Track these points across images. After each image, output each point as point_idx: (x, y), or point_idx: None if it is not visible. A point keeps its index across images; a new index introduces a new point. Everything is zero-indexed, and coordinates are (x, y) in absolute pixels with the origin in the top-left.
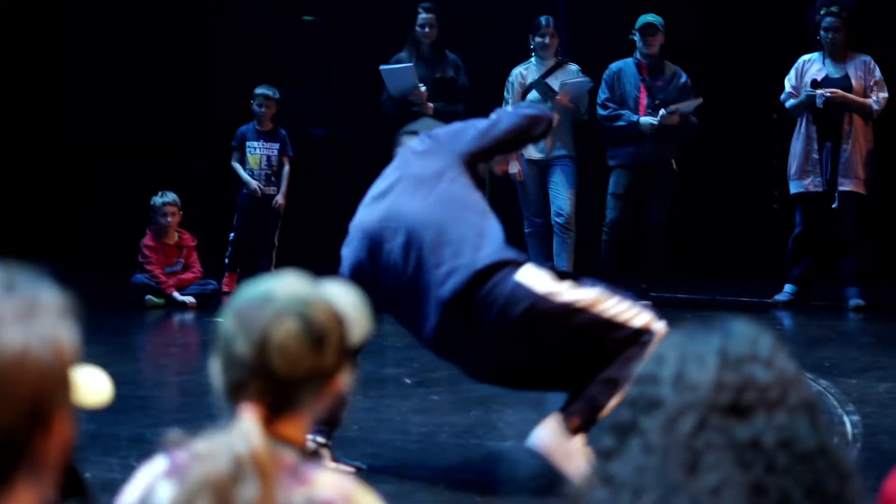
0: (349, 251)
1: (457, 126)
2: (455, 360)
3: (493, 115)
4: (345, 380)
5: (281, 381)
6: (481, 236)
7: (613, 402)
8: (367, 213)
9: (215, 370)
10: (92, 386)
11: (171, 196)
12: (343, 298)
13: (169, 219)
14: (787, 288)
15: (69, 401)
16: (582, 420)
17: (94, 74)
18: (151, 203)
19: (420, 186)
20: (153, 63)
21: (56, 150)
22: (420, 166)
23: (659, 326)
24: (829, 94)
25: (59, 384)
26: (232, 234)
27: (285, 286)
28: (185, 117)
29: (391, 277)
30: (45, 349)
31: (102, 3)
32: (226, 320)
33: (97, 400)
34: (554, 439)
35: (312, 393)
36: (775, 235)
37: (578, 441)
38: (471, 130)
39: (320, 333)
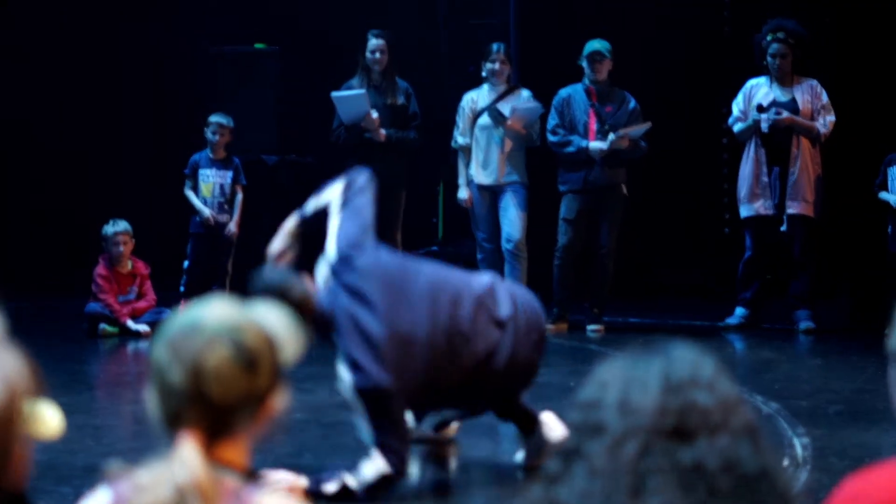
0: None
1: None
2: None
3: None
4: (280, 400)
5: (217, 407)
6: None
7: None
8: None
9: (151, 400)
10: (44, 418)
11: (122, 224)
12: (273, 319)
13: (121, 248)
14: (738, 311)
15: (25, 431)
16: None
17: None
18: (103, 232)
19: None
20: (106, 88)
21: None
22: None
23: None
24: (775, 117)
25: (19, 416)
26: (186, 262)
27: (214, 313)
28: (136, 143)
29: None
30: (20, 379)
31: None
32: (158, 350)
33: (50, 432)
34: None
35: (248, 416)
36: (726, 259)
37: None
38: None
39: (252, 357)
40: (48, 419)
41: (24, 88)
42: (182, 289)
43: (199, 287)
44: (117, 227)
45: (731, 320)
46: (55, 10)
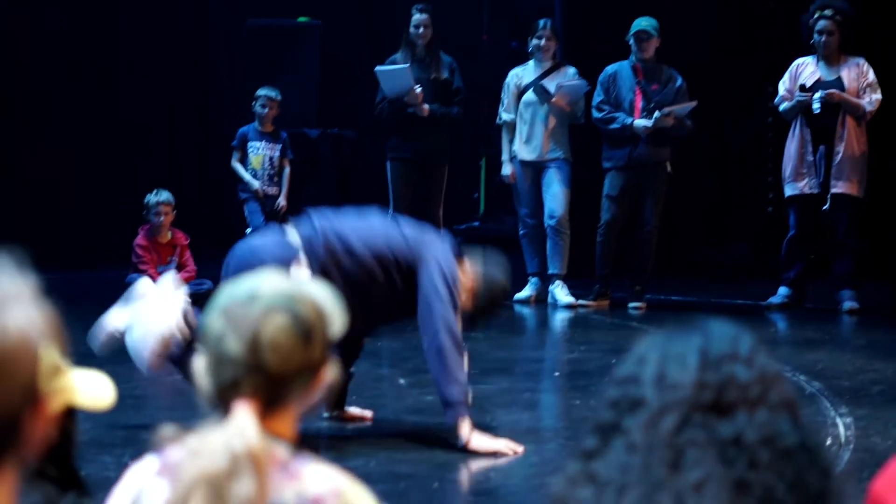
0: None
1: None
2: None
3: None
4: (330, 373)
5: (273, 377)
6: None
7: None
8: None
9: (202, 369)
10: (95, 389)
11: (164, 195)
12: (320, 294)
13: (162, 218)
14: (782, 290)
15: (52, 382)
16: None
17: (70, 73)
18: (145, 201)
19: None
20: (150, 62)
21: (42, 149)
22: None
23: None
24: (824, 96)
25: (48, 365)
26: (249, 229)
27: (269, 283)
28: (184, 116)
29: None
30: (37, 331)
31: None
32: (212, 320)
33: (100, 404)
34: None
35: (302, 387)
36: (770, 238)
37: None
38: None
39: (308, 327)
40: (99, 391)
41: (73, 61)
42: None
43: None
44: (159, 198)
45: (774, 299)
46: None
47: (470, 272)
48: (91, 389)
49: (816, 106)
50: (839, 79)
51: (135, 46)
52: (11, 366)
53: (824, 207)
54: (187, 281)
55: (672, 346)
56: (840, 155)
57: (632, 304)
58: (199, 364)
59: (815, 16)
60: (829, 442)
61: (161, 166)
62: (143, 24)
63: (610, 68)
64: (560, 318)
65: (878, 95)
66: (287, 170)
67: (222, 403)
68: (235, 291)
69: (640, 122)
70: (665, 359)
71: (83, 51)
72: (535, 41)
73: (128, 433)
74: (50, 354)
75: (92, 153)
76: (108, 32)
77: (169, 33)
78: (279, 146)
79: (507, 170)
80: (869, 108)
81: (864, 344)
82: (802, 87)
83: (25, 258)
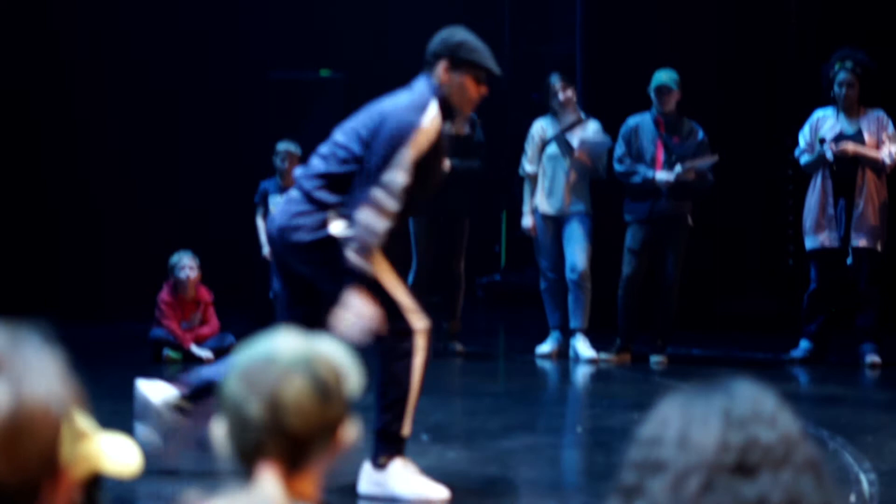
0: None
1: None
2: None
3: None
4: (351, 431)
5: (295, 439)
6: None
7: (408, 419)
8: None
9: (222, 434)
10: (121, 455)
11: (189, 254)
12: (336, 352)
13: (188, 273)
14: (803, 344)
15: (75, 451)
16: (389, 454)
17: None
18: (170, 262)
19: None
20: (176, 117)
21: (75, 205)
22: None
23: (420, 325)
24: (837, 150)
25: (68, 435)
26: (271, 293)
27: (286, 344)
28: (208, 170)
29: None
30: (59, 401)
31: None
32: (231, 384)
33: (126, 470)
34: (375, 482)
35: (323, 447)
36: (791, 291)
37: (397, 465)
38: None
39: (327, 387)
40: (124, 454)
41: (101, 118)
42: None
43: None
44: (185, 256)
45: (796, 353)
46: (120, 35)
47: None
48: (117, 455)
49: (829, 154)
50: (859, 131)
51: (161, 102)
52: (30, 436)
53: (847, 261)
54: (210, 336)
55: (694, 407)
56: (860, 208)
57: (654, 358)
58: (219, 428)
59: (836, 67)
60: (852, 498)
61: (185, 221)
62: (167, 79)
63: (631, 120)
64: (582, 373)
65: (894, 148)
66: None
67: (245, 467)
68: (253, 354)
69: (662, 176)
70: (687, 420)
71: (109, 107)
72: (554, 99)
73: (150, 490)
74: (74, 423)
75: (117, 207)
76: (132, 88)
77: (193, 88)
78: None
79: (527, 222)
80: (888, 160)
81: (886, 398)
82: (822, 141)
83: (50, 328)
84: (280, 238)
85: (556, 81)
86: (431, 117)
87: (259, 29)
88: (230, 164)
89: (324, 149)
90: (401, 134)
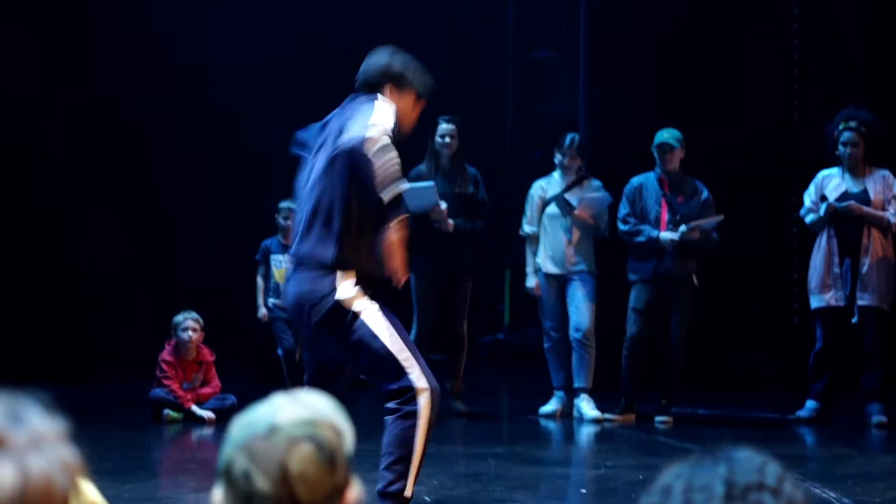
0: None
1: None
2: None
3: None
4: (356, 493)
5: None
6: None
7: (412, 481)
8: None
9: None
10: None
11: (193, 314)
12: (333, 411)
13: (190, 333)
14: (809, 404)
15: None
16: None
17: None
18: (173, 321)
19: None
20: (179, 176)
21: (73, 263)
22: None
23: (423, 385)
24: (843, 206)
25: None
26: (279, 349)
27: (285, 412)
28: (209, 229)
29: None
30: (64, 474)
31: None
32: (235, 457)
33: None
34: None
35: None
36: (796, 350)
37: None
38: None
39: (331, 452)
40: None
41: (100, 175)
42: (286, 377)
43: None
44: (188, 317)
45: (802, 413)
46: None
47: None
48: None
49: (833, 202)
50: (865, 190)
51: (164, 162)
52: None
53: (853, 320)
54: (211, 396)
55: (697, 476)
56: (866, 267)
57: (658, 418)
58: (221, 498)
59: (840, 127)
60: None
61: (187, 279)
62: (168, 138)
63: (635, 180)
64: (586, 433)
65: None
66: None
67: None
68: (254, 424)
69: (666, 236)
70: (690, 489)
71: (116, 165)
72: (559, 156)
73: None
74: (79, 493)
75: (119, 266)
76: (135, 147)
77: (196, 148)
78: None
79: (531, 282)
80: (893, 219)
81: (894, 459)
82: (823, 198)
83: (49, 395)
84: None
85: (569, 144)
86: (390, 121)
87: (262, 89)
88: (232, 222)
89: None
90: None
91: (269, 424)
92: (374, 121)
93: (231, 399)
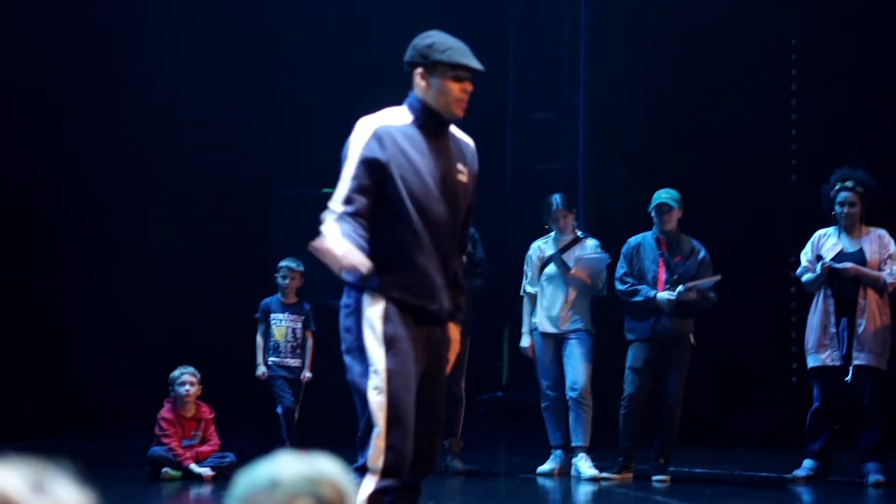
0: None
1: None
2: None
3: None
4: None
5: None
6: None
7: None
8: None
9: None
10: None
11: (190, 369)
12: (337, 471)
13: (188, 388)
14: (807, 463)
15: None
16: None
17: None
18: (171, 376)
19: None
20: (177, 232)
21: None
22: None
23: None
24: (839, 267)
25: None
26: (279, 408)
27: (288, 467)
28: (210, 285)
29: None
30: None
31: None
32: None
33: None
34: None
35: None
36: (795, 408)
37: None
38: None
39: None
40: None
41: (99, 232)
42: (284, 437)
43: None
44: (185, 371)
45: (800, 472)
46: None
47: None
48: None
49: (807, 277)
50: (861, 250)
51: (164, 218)
52: None
53: (846, 379)
54: (210, 454)
55: None
56: (862, 327)
57: (656, 477)
58: None
59: (837, 187)
60: None
61: (186, 337)
62: (169, 196)
63: (633, 240)
64: (584, 492)
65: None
66: (310, 341)
67: None
68: (255, 478)
69: (664, 296)
70: None
71: (115, 223)
72: (551, 222)
73: None
74: None
75: (116, 321)
76: (133, 199)
77: (196, 203)
78: (302, 318)
79: (525, 342)
80: (890, 279)
81: None
82: (819, 258)
83: (81, 471)
84: None
85: (556, 206)
86: (376, 114)
87: (261, 146)
88: (231, 279)
89: None
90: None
91: (271, 479)
92: (368, 117)
93: (230, 457)
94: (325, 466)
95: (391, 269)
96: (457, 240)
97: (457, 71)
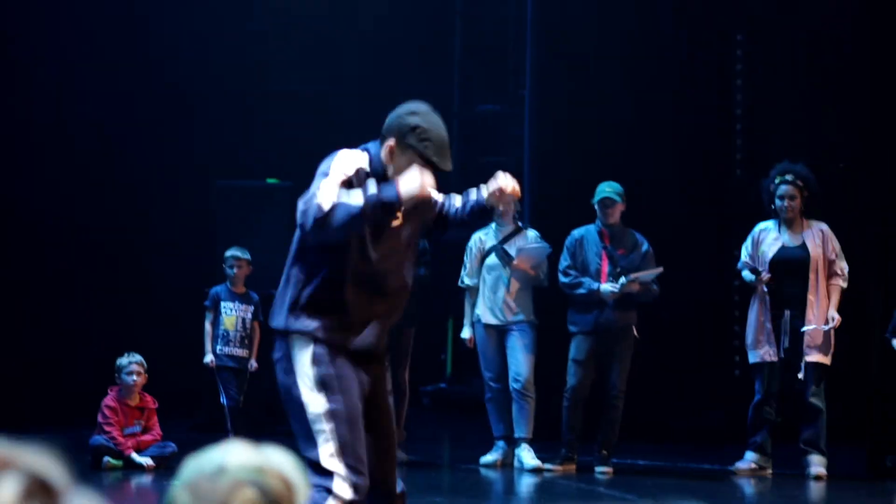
0: None
1: None
2: None
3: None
4: None
5: None
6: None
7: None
8: None
9: None
10: None
11: (137, 357)
12: (287, 464)
13: (135, 378)
14: (748, 455)
15: None
16: None
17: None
18: (117, 363)
19: None
20: (121, 223)
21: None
22: None
23: (343, 493)
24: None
25: None
26: (224, 399)
27: (235, 455)
28: (152, 276)
29: None
30: None
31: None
32: (179, 495)
33: None
34: None
35: None
36: (738, 401)
37: None
38: None
39: (276, 500)
40: None
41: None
42: (230, 429)
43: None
44: (132, 359)
45: (741, 464)
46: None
47: None
48: None
49: (745, 274)
50: (803, 244)
51: (113, 208)
52: None
53: (799, 375)
54: (152, 443)
55: None
56: (812, 324)
57: (598, 469)
58: None
59: (776, 181)
60: None
61: (130, 326)
62: (119, 184)
63: (576, 232)
64: (526, 483)
65: (845, 265)
66: (257, 332)
67: None
68: (202, 464)
69: (607, 288)
70: None
71: (54, 210)
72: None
73: None
74: None
75: (60, 311)
76: (79, 190)
77: (137, 196)
78: (251, 308)
79: (466, 333)
80: (844, 284)
81: None
82: (755, 271)
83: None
84: None
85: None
86: (359, 155)
87: (205, 137)
88: (177, 268)
89: None
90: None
91: (218, 465)
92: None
93: (171, 447)
94: (274, 457)
95: (320, 309)
96: (402, 284)
97: (426, 164)
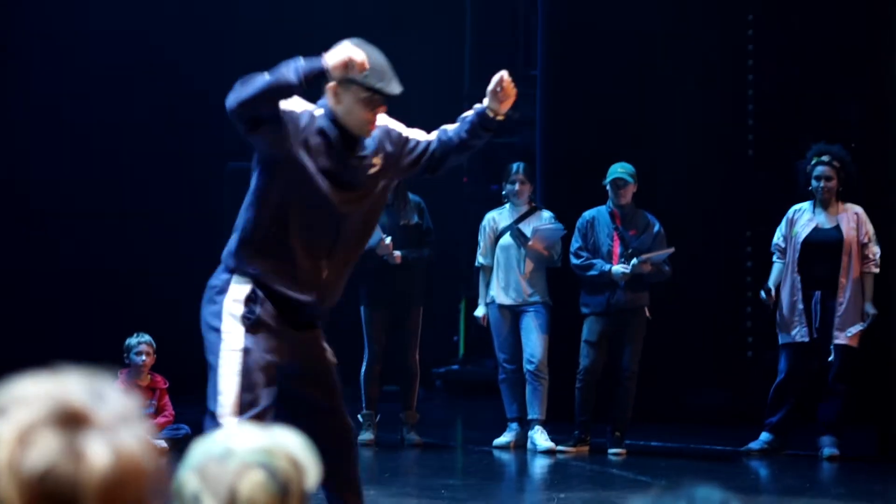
0: None
1: None
2: None
3: None
4: None
5: None
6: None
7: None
8: None
9: None
10: None
11: (146, 337)
12: (296, 445)
13: (144, 357)
14: (763, 436)
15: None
16: None
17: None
18: (126, 343)
19: None
20: (131, 208)
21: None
22: None
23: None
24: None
25: (157, 481)
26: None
27: (242, 438)
28: (163, 258)
29: None
30: (148, 453)
31: None
32: (187, 478)
33: None
34: None
35: None
36: (750, 382)
37: None
38: None
39: (285, 482)
40: None
41: (55, 203)
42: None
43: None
44: (141, 339)
45: (755, 445)
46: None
47: None
48: None
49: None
50: (837, 227)
51: (125, 189)
52: (129, 488)
53: (829, 359)
54: (165, 426)
55: None
56: (843, 306)
57: (611, 450)
58: None
59: (813, 161)
60: None
61: (140, 309)
62: (125, 168)
63: (588, 214)
64: (539, 465)
65: (877, 249)
66: None
67: None
68: (209, 447)
69: (618, 269)
70: None
71: (68, 189)
72: (509, 186)
73: None
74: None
75: (74, 291)
76: (97, 171)
77: (149, 177)
78: None
79: (480, 311)
80: (876, 270)
81: (844, 492)
82: (767, 290)
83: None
84: None
85: (516, 170)
86: (307, 105)
87: (217, 120)
88: (189, 249)
89: None
90: None
91: (225, 448)
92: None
93: (185, 429)
94: (282, 438)
95: (265, 255)
96: (345, 255)
97: (371, 94)
